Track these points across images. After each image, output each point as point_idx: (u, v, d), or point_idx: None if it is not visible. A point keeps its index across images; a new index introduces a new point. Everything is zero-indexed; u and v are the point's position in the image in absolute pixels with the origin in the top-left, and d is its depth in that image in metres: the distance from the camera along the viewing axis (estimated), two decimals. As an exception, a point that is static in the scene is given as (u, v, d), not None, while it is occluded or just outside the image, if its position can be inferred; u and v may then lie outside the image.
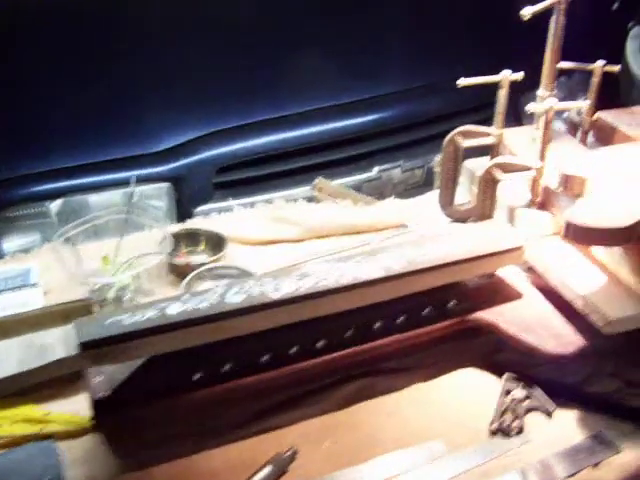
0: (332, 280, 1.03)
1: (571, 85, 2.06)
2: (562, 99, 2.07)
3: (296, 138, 1.82)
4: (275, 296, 1.00)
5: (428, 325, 1.13)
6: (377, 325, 1.10)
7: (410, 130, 1.96)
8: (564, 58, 1.94)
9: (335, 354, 1.08)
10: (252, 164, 1.81)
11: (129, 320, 0.95)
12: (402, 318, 1.11)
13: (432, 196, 1.42)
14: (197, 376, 1.02)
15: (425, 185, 1.86)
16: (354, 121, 1.88)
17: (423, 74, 1.97)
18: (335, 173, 1.86)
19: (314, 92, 1.86)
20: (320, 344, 1.07)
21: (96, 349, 0.94)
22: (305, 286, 1.02)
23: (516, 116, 1.85)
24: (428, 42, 2.00)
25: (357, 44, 1.92)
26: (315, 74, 1.83)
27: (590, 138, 1.39)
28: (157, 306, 0.98)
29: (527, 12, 1.16)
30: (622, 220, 1.01)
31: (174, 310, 0.97)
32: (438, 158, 1.35)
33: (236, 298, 0.99)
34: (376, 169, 1.90)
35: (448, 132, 1.92)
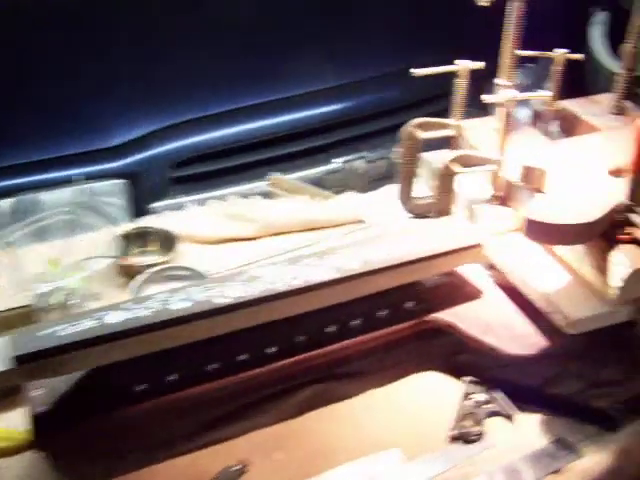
0: (282, 283, 0.98)
1: (538, 71, 2.02)
2: (529, 86, 2.04)
3: (255, 130, 1.77)
4: (221, 302, 0.95)
5: (385, 328, 1.08)
6: (331, 329, 1.05)
7: (373, 120, 1.91)
8: (526, 44, 1.89)
9: (287, 360, 1.04)
10: (210, 158, 1.76)
11: (66, 331, 0.90)
12: (357, 321, 1.07)
13: (392, 189, 1.38)
14: (142, 387, 0.97)
15: (390, 176, 1.81)
16: (315, 112, 1.83)
17: (385, 63, 1.92)
18: (297, 166, 1.81)
19: (272, 83, 1.81)
20: (271, 350, 1.03)
21: (31, 363, 0.88)
22: (254, 291, 0.97)
23: (482, 104, 1.80)
24: (390, 30, 1.94)
25: (316, 34, 1.87)
26: (273, 65, 1.78)
27: (555, 128, 1.35)
28: (96, 315, 0.93)
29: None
30: (584, 216, 0.97)
31: (114, 319, 0.92)
32: (398, 148, 1.29)
33: (180, 305, 0.94)
34: (339, 161, 1.85)
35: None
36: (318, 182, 1.80)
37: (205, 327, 0.94)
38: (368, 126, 1.92)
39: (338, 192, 1.73)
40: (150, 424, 0.99)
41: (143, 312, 0.93)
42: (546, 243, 1.07)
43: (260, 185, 1.64)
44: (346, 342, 1.07)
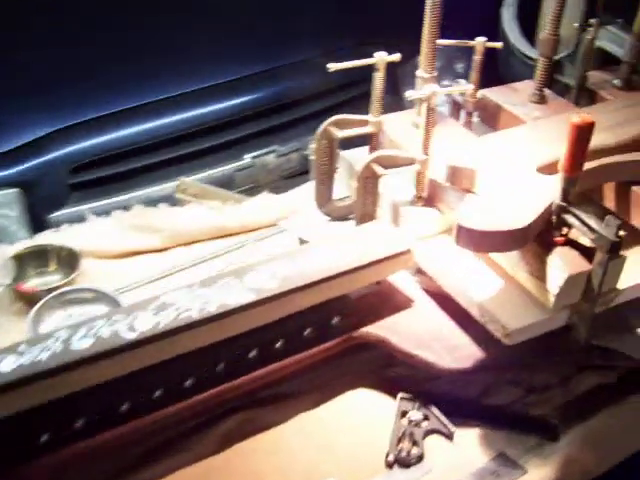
0: (195, 311, 0.89)
1: (448, 52, 1.97)
2: (440, 68, 1.99)
3: (157, 129, 1.64)
4: (130, 336, 0.85)
5: (311, 347, 1.01)
6: (252, 354, 0.97)
7: (281, 112, 1.81)
8: (444, 29, 1.84)
9: (207, 392, 0.95)
10: (112, 161, 1.62)
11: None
12: (281, 343, 0.98)
13: (309, 188, 1.30)
14: (45, 438, 0.87)
15: (304, 171, 1.72)
16: (219, 106, 1.71)
17: (290, 52, 1.82)
18: (204, 164, 1.70)
19: (172, 76, 1.69)
20: (188, 383, 0.93)
21: None
22: (165, 320, 0.88)
23: (395, 90, 1.74)
24: (294, 18, 1.85)
25: (215, 23, 1.76)
26: (171, 56, 1.66)
27: (475, 118, 1.29)
28: (-14, 361, 0.82)
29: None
30: (518, 221, 0.90)
31: (8, 366, 0.81)
32: (313, 145, 1.21)
33: (83, 343, 0.84)
34: (248, 156, 1.75)
35: (322, 111, 1.82)
36: (229, 180, 1.70)
37: (112, 366, 0.85)
38: (276, 118, 1.82)
39: (251, 190, 1.65)
40: (64, 472, 0.89)
41: (42, 355, 0.82)
42: (479, 251, 1.01)
43: (167, 187, 1.54)
44: (270, 368, 0.98)
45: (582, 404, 1.03)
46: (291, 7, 1.87)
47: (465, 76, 1.26)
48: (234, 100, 1.75)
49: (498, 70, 1.85)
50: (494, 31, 1.86)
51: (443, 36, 1.94)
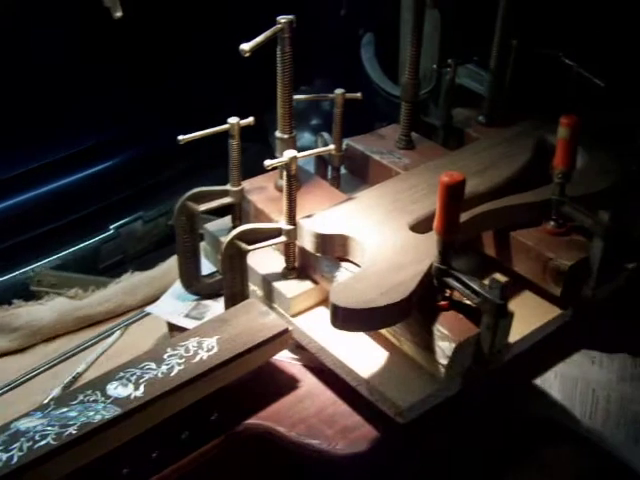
0: (53, 436, 0.78)
1: (314, 92, 1.92)
2: (305, 110, 1.94)
3: (8, 208, 1.51)
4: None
5: (190, 452, 0.91)
6: (125, 471, 0.86)
7: (143, 175, 1.71)
8: (303, 75, 1.78)
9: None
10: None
11: None
12: (155, 454, 0.88)
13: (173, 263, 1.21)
14: None
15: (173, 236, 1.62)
16: (74, 177, 1.60)
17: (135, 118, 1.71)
18: (65, 241, 1.57)
19: (18, 151, 1.55)
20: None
21: None
22: (18, 454, 0.76)
23: (264, 139, 1.67)
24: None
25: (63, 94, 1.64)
26: (17, 131, 1.53)
27: (343, 170, 1.23)
28: None
29: (246, 48, 0.96)
30: (397, 292, 0.84)
31: None
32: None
33: None
34: (113, 226, 1.64)
35: (188, 169, 1.73)
36: (94, 255, 1.58)
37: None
38: (141, 181, 1.71)
39: (119, 264, 1.54)
40: None
41: None
42: (360, 331, 0.94)
43: (22, 276, 1.41)
44: None
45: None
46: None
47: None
48: (91, 169, 1.64)
49: (366, 109, 1.81)
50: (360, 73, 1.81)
51: (310, 85, 1.90)
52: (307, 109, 1.96)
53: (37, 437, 0.78)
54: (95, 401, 0.83)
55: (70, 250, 1.56)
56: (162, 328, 1.15)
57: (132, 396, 0.84)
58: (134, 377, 0.86)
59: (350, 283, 0.86)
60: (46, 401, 1.03)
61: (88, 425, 0.80)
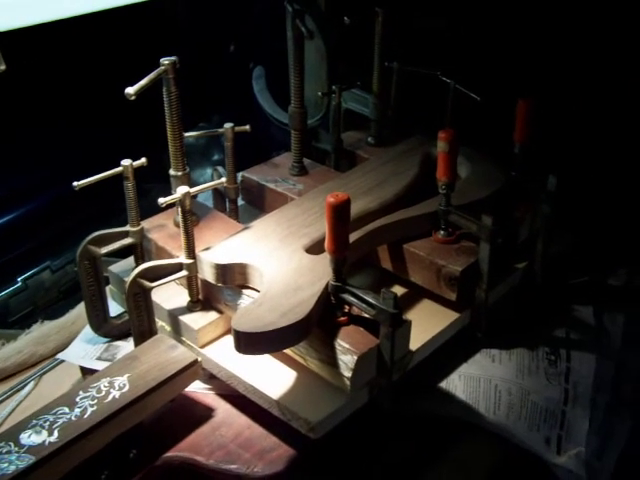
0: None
1: (211, 127, 1.95)
2: (205, 145, 1.96)
3: None
4: None
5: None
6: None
7: (48, 223, 1.71)
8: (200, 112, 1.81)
9: None
10: None
11: None
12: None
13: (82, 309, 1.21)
14: None
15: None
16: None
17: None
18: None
19: None
20: None
21: None
22: None
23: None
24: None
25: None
26: None
27: (240, 201, 1.27)
28: None
29: (131, 91, 0.99)
30: (296, 312, 0.88)
31: None
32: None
33: None
34: (20, 278, 1.63)
35: (92, 215, 1.73)
36: (3, 309, 1.57)
37: None
38: (46, 230, 1.71)
39: (29, 315, 1.54)
40: None
41: None
42: (264, 353, 0.97)
43: None
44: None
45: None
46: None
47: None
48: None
49: (262, 142, 1.85)
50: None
51: (208, 121, 1.93)
52: (208, 145, 1.99)
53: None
54: (9, 452, 0.83)
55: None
56: (76, 374, 1.15)
57: (46, 442, 0.85)
58: (47, 423, 0.87)
59: (250, 308, 0.89)
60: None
61: (2, 477, 0.80)
